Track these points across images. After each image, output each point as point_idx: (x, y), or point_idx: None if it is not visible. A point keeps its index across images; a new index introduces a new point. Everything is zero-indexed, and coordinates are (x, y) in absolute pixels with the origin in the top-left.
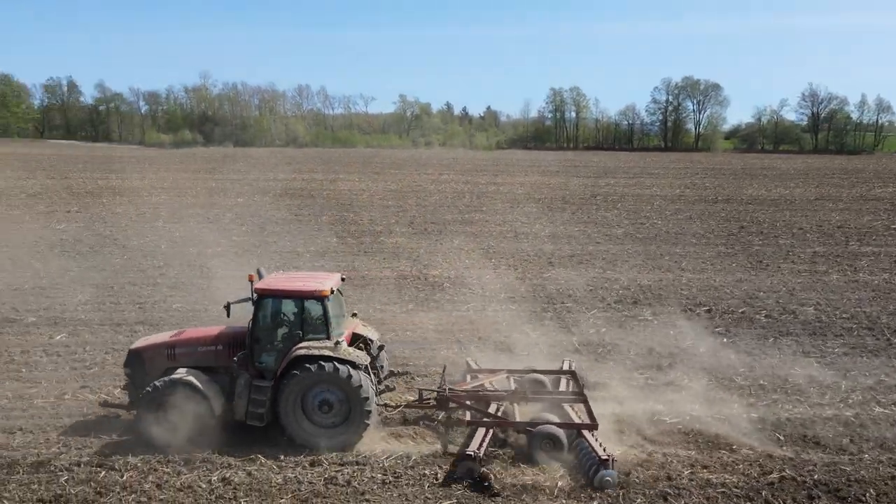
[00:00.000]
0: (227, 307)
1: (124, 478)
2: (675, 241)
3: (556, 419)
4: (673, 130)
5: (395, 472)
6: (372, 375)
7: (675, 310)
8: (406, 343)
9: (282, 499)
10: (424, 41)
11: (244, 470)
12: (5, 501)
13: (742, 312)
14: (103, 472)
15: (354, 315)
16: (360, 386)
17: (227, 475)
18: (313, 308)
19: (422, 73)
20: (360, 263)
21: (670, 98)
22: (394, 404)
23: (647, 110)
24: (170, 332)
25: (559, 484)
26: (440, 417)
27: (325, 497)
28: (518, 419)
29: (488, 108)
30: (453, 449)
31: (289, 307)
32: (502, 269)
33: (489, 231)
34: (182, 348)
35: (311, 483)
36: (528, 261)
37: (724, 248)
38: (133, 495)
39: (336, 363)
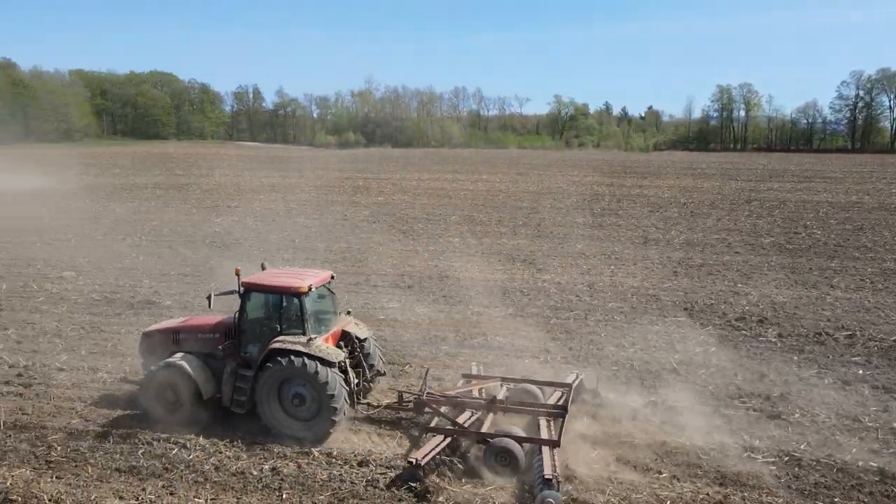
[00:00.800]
0: (209, 298)
1: (190, 456)
2: (833, 254)
3: (520, 432)
4: (863, 129)
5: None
6: (352, 373)
7: (809, 332)
8: (488, 349)
9: (321, 495)
10: (585, 41)
11: (296, 462)
12: (89, 467)
13: (895, 341)
14: (175, 450)
15: (349, 313)
16: (327, 382)
17: (279, 465)
18: (292, 304)
19: (581, 74)
20: (474, 265)
21: (861, 93)
22: (375, 404)
23: (831, 107)
24: (180, 319)
25: (503, 499)
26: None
27: (361, 499)
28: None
29: (649, 107)
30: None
31: (271, 301)
32: (619, 277)
33: (618, 236)
34: (185, 334)
35: (352, 483)
36: (651, 269)
37: (893, 265)
38: (193, 474)
39: (306, 358)
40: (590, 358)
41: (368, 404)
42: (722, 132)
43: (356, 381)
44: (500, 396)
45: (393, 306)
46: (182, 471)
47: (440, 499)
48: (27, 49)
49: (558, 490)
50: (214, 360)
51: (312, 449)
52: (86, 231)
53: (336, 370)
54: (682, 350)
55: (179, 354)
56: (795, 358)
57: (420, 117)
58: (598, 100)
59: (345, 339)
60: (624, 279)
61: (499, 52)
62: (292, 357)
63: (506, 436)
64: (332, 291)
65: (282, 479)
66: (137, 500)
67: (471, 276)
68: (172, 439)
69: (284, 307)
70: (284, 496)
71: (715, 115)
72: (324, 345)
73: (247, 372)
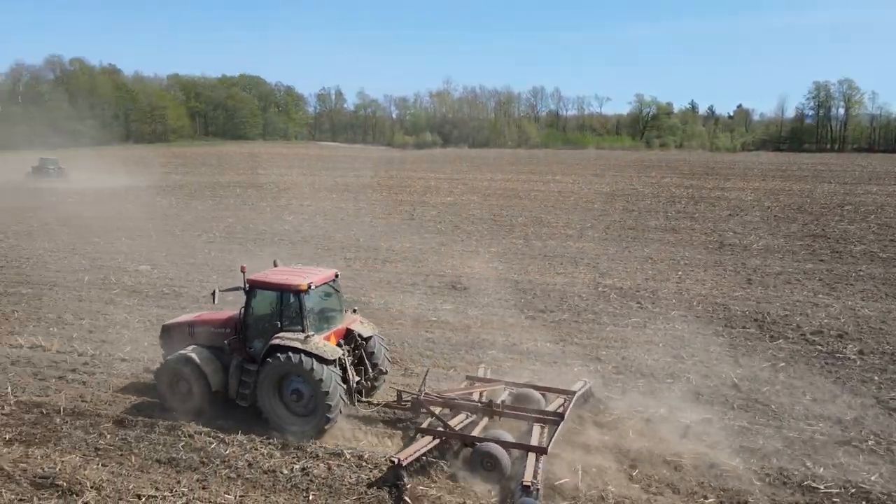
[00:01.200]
0: (213, 294)
1: (227, 452)
2: None
3: (508, 437)
4: None
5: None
6: (352, 371)
7: (895, 350)
8: (537, 355)
9: (347, 499)
10: (671, 38)
11: (326, 463)
12: (133, 456)
13: None
14: (214, 444)
15: (354, 311)
16: (322, 379)
17: (309, 466)
18: (292, 301)
19: (665, 72)
20: (535, 267)
21: None
22: (376, 402)
23: None
24: (196, 313)
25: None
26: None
27: None
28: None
29: (739, 106)
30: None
31: (273, 298)
32: (687, 283)
33: (691, 240)
34: (199, 328)
35: (378, 489)
36: (723, 276)
37: None
38: (227, 469)
39: (303, 355)
40: (643, 369)
41: (369, 402)
42: (818, 131)
43: (357, 379)
44: (500, 400)
45: (446, 308)
46: (217, 465)
47: (423, 501)
48: (130, 55)
49: (537, 498)
50: (224, 354)
51: (345, 451)
52: (167, 227)
53: (333, 367)
54: (747, 364)
55: (191, 347)
56: (876, 378)
57: (497, 117)
58: (684, 99)
59: (348, 337)
60: (691, 286)
61: (579, 51)
62: (290, 353)
63: (492, 440)
64: (337, 290)
65: (310, 480)
66: (171, 492)
67: (529, 279)
68: (213, 434)
69: (285, 304)
70: (311, 497)
71: (811, 113)
72: (321, 342)
73: (251, 366)
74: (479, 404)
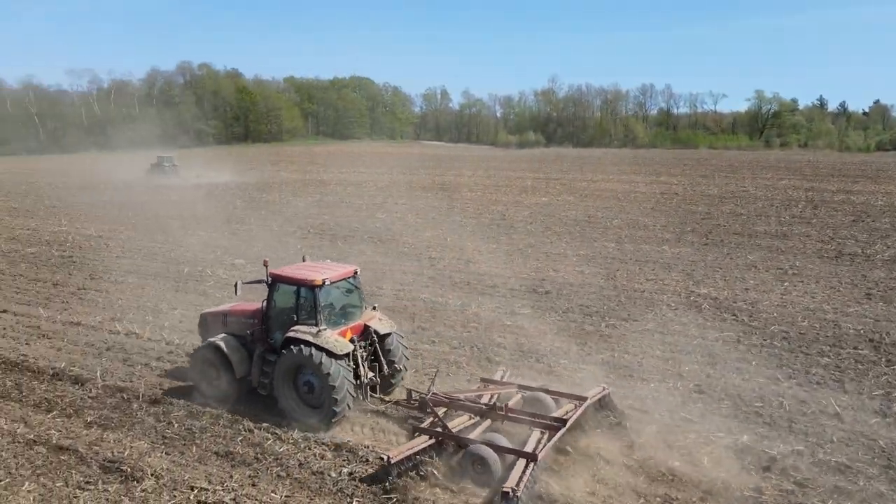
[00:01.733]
0: (236, 286)
1: (281, 449)
2: None
3: (503, 441)
4: None
5: None
6: (364, 367)
7: None
8: (612, 367)
9: None
10: (795, 31)
11: (374, 467)
12: (195, 447)
13: None
14: (270, 440)
15: (374, 308)
16: (329, 373)
17: (356, 470)
18: (307, 295)
19: (790, 68)
20: (624, 271)
21: None
22: (388, 400)
23: None
24: (231, 304)
25: None
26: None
27: None
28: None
29: (876, 102)
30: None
31: (291, 292)
32: (793, 296)
33: (804, 248)
34: (231, 318)
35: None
36: (837, 289)
37: None
38: (279, 468)
39: (313, 349)
40: (729, 389)
41: (381, 399)
42: None
43: (370, 375)
44: (505, 404)
45: (524, 312)
46: (269, 463)
47: (416, 501)
48: (251, 60)
49: None
50: (250, 343)
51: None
52: (266, 223)
53: (342, 362)
54: (854, 391)
55: (221, 335)
56: None
57: (603, 116)
58: (811, 95)
59: (365, 333)
60: (798, 299)
61: (693, 47)
62: (301, 346)
63: (483, 443)
64: (357, 287)
65: (356, 486)
66: (222, 486)
67: (615, 285)
68: (271, 429)
69: (301, 298)
70: (355, 503)
71: None
72: (333, 337)
73: (272, 357)
74: (484, 406)
